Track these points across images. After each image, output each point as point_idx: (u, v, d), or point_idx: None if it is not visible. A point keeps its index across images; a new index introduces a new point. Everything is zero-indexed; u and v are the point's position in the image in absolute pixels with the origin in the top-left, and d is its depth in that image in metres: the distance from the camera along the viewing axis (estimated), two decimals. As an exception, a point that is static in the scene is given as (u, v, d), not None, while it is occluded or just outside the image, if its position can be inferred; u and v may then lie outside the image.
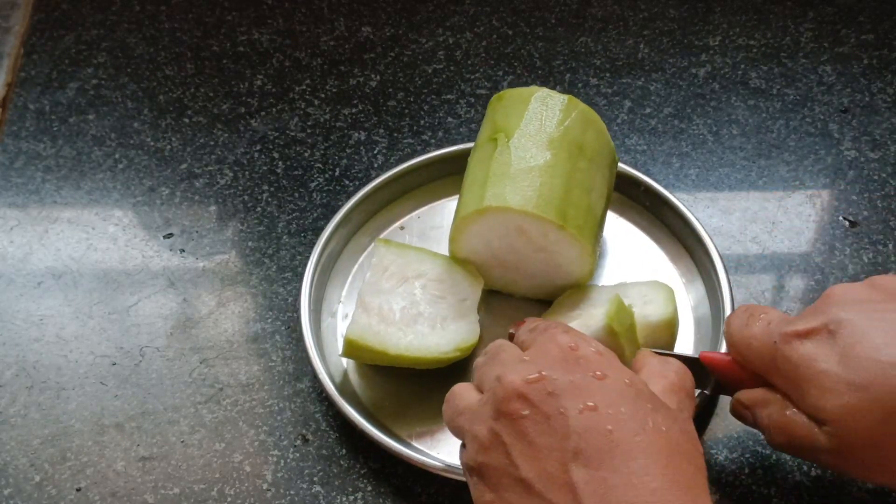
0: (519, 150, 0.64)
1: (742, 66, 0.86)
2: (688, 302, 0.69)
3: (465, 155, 0.69)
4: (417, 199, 0.76)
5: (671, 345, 0.65)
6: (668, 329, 0.64)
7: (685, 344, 0.67)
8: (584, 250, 0.63)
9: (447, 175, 0.75)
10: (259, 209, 0.77)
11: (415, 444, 0.63)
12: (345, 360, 0.67)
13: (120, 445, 0.65)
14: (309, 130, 0.82)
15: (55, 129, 0.83)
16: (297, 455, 0.64)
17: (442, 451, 0.62)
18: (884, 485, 0.55)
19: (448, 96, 0.85)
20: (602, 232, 0.68)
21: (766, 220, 0.76)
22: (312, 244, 0.74)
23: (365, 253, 0.73)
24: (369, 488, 0.62)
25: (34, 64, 0.88)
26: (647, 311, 0.63)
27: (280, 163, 0.80)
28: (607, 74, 0.86)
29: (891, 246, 0.74)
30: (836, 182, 0.78)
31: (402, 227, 0.74)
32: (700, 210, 0.75)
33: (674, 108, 0.83)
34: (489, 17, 0.91)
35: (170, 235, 0.76)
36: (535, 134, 0.64)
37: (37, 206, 0.78)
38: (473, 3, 0.92)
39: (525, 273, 0.66)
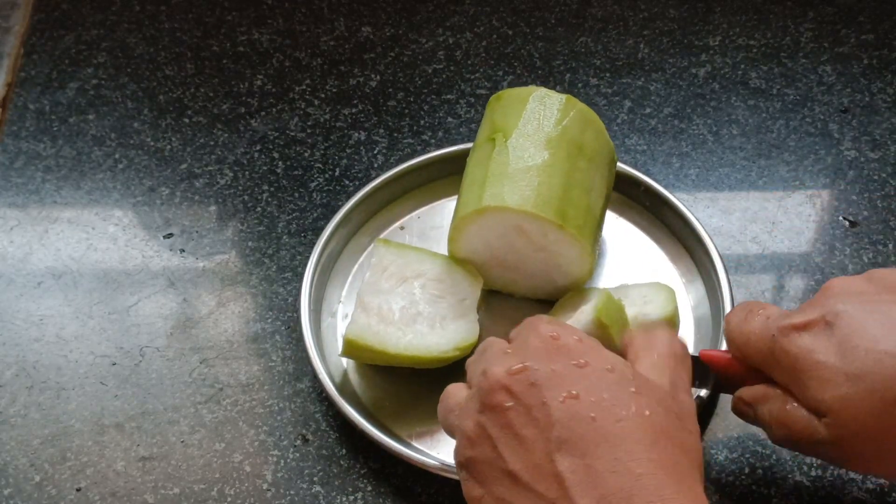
0: (517, 149, 0.64)
1: (742, 66, 0.86)
2: (688, 302, 0.69)
3: (464, 155, 0.69)
4: (417, 199, 0.76)
5: None
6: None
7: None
8: (584, 250, 0.63)
9: (447, 175, 0.75)
10: (259, 209, 0.77)
11: (415, 443, 0.63)
12: (345, 360, 0.67)
13: (120, 445, 0.65)
14: (309, 130, 0.82)
15: (55, 129, 0.83)
16: (297, 455, 0.64)
17: (442, 451, 0.62)
18: (883, 476, 0.55)
19: (448, 96, 0.85)
20: (601, 231, 0.68)
21: (766, 220, 0.76)
22: (312, 244, 0.74)
23: (365, 253, 0.73)
24: (369, 488, 0.62)
25: (34, 64, 0.88)
26: (647, 311, 0.64)
27: (280, 163, 0.80)
28: (607, 74, 0.86)
29: (891, 246, 0.74)
30: (836, 182, 0.78)
31: (402, 227, 0.74)
32: (700, 210, 0.75)
33: (674, 108, 0.83)
34: (489, 17, 0.91)
35: (170, 235, 0.76)
36: (533, 133, 0.64)
37: (37, 206, 0.78)
38: (473, 3, 0.92)
39: (525, 273, 0.66)
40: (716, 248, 0.68)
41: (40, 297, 0.73)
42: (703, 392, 0.60)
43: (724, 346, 0.61)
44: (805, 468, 0.62)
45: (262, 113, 0.84)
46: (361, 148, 0.81)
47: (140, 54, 0.89)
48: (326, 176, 0.79)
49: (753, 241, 0.75)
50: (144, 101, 0.85)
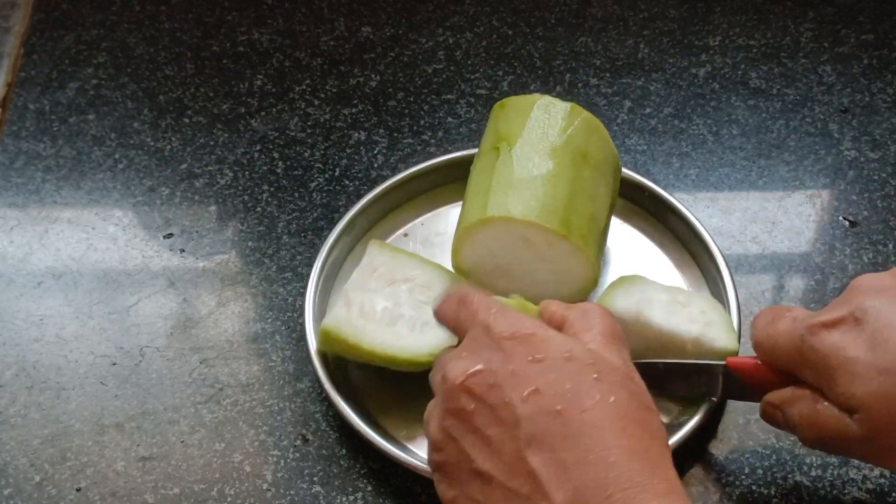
0: (521, 158, 0.63)
1: (742, 66, 0.86)
2: None
3: (468, 160, 0.69)
4: (421, 205, 0.75)
5: None
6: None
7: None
8: (589, 259, 0.63)
9: (451, 181, 0.75)
10: (259, 209, 0.77)
11: (414, 445, 0.63)
12: (346, 362, 0.66)
13: (120, 445, 0.65)
14: (309, 130, 0.82)
15: (55, 129, 0.83)
16: (297, 455, 0.64)
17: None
18: None
19: (448, 96, 0.85)
20: (606, 240, 0.67)
21: (766, 220, 0.76)
22: (312, 244, 0.74)
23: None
24: (369, 488, 0.62)
25: (34, 64, 0.88)
26: (711, 335, 0.61)
27: (280, 163, 0.80)
28: (607, 74, 0.86)
29: (891, 246, 0.74)
30: (836, 182, 0.78)
31: (405, 234, 0.74)
32: (700, 210, 0.75)
33: (674, 108, 0.83)
34: (489, 17, 0.91)
35: (170, 235, 0.76)
36: (537, 142, 0.64)
37: (37, 206, 0.78)
38: (473, 3, 0.92)
39: (529, 282, 0.66)
40: (721, 254, 0.68)
41: (40, 297, 0.73)
42: (714, 399, 0.61)
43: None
44: (805, 468, 0.62)
45: (262, 113, 0.84)
46: (361, 148, 0.81)
47: (140, 54, 0.89)
48: (326, 176, 0.79)
49: (753, 241, 0.75)
50: (144, 101, 0.85)
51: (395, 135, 0.82)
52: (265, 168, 0.80)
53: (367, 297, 0.64)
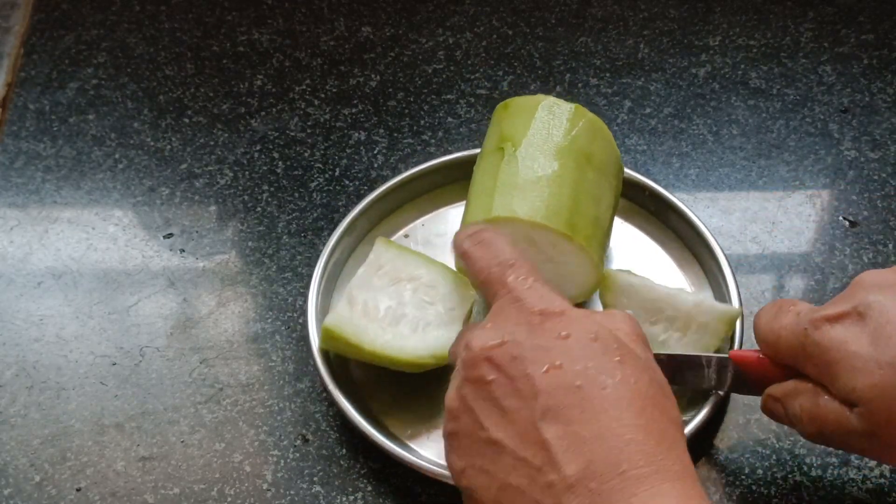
0: (526, 159, 0.63)
1: (742, 66, 0.86)
2: None
3: (470, 161, 0.69)
4: (421, 206, 0.75)
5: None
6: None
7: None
8: (592, 260, 0.63)
9: (452, 182, 0.75)
10: (259, 209, 0.77)
11: (415, 444, 0.63)
12: (346, 362, 0.66)
13: (120, 445, 0.65)
14: (309, 130, 0.82)
15: (55, 129, 0.83)
16: (297, 455, 0.64)
17: (442, 452, 0.62)
18: None
19: (448, 96, 0.85)
20: (609, 241, 0.67)
21: (766, 220, 0.76)
22: (312, 244, 0.74)
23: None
24: (369, 488, 0.62)
25: (34, 64, 0.88)
26: (711, 301, 0.64)
27: (280, 163, 0.80)
28: (607, 74, 0.86)
29: (891, 246, 0.74)
30: (836, 182, 0.78)
31: (406, 236, 0.74)
32: (700, 210, 0.75)
33: (674, 108, 0.83)
34: (489, 17, 0.91)
35: (170, 235, 0.76)
36: (542, 143, 0.64)
37: (37, 206, 0.78)
38: (473, 3, 0.92)
39: None
40: (723, 253, 0.68)
41: (40, 297, 0.73)
42: (720, 392, 0.61)
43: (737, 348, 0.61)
44: (805, 468, 0.62)
45: (262, 113, 0.84)
46: (361, 148, 0.81)
47: (140, 54, 0.89)
48: (326, 176, 0.79)
49: (753, 241, 0.75)
50: (144, 101, 0.85)
51: (395, 135, 0.82)
52: (265, 168, 0.80)
53: (370, 295, 0.63)
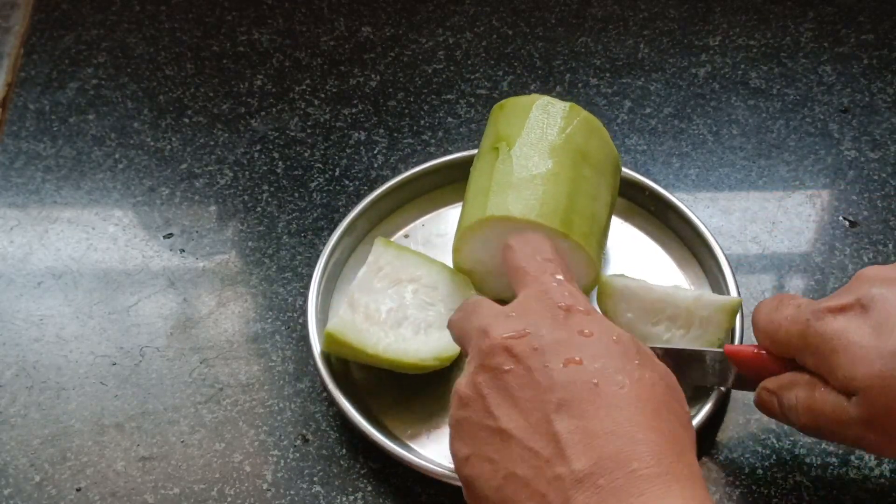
0: (521, 158, 0.63)
1: (742, 66, 0.86)
2: None
3: (469, 161, 0.69)
4: (422, 206, 0.75)
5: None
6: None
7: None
8: (590, 258, 0.63)
9: (451, 182, 0.75)
10: (259, 209, 0.77)
11: (415, 444, 0.63)
12: (347, 362, 0.67)
13: (120, 445, 0.65)
14: (309, 130, 0.82)
15: (55, 129, 0.83)
16: (297, 455, 0.64)
17: (442, 452, 0.62)
18: None
19: (448, 96, 0.85)
20: (607, 239, 0.67)
21: (766, 220, 0.76)
22: (312, 244, 0.74)
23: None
24: (369, 488, 0.62)
25: (34, 64, 0.88)
26: (710, 295, 0.65)
27: (280, 163, 0.80)
28: (607, 74, 0.86)
29: (891, 246, 0.74)
30: (836, 182, 0.78)
31: (406, 236, 0.74)
32: (700, 210, 0.75)
33: (674, 108, 0.83)
34: (489, 17, 0.91)
35: (170, 235, 0.76)
36: (536, 142, 0.64)
37: (37, 206, 0.78)
38: (473, 3, 0.92)
39: None
40: (723, 253, 0.68)
41: (40, 297, 0.73)
42: (722, 388, 0.61)
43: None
44: (805, 468, 0.62)
45: (262, 113, 0.84)
46: (361, 148, 0.81)
47: (140, 54, 0.89)
48: (326, 176, 0.79)
49: (753, 241, 0.75)
50: (144, 101, 0.85)
51: (395, 135, 0.82)
52: (265, 168, 0.80)
53: (371, 298, 0.64)
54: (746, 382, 0.59)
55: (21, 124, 0.84)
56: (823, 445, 0.63)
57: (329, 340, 0.62)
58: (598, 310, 0.65)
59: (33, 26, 0.92)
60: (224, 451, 0.64)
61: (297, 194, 0.78)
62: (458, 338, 0.53)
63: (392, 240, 0.73)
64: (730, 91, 0.84)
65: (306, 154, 0.81)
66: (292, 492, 0.62)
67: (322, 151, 0.81)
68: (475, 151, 0.70)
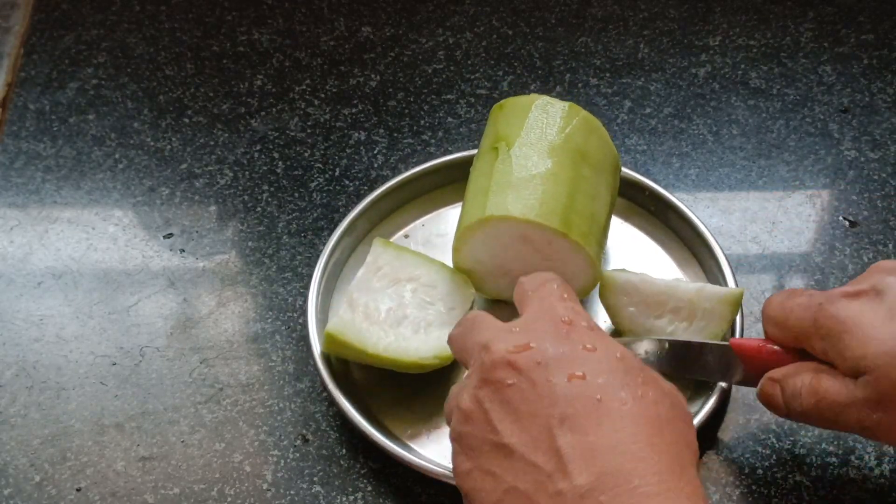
0: (520, 158, 0.63)
1: (742, 66, 0.86)
2: None
3: (469, 161, 0.69)
4: (421, 206, 0.75)
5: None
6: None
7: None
8: (589, 258, 0.63)
9: (451, 182, 0.75)
10: (259, 209, 0.77)
11: (415, 444, 0.63)
12: (347, 362, 0.67)
13: (120, 445, 0.65)
14: (309, 130, 0.82)
15: (55, 129, 0.83)
16: (297, 455, 0.64)
17: (442, 452, 0.62)
18: None
19: (448, 96, 0.85)
20: (606, 239, 0.67)
21: (766, 220, 0.76)
22: (312, 244, 0.74)
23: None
24: (369, 488, 0.62)
25: (34, 64, 0.88)
26: (712, 287, 0.64)
27: (280, 163, 0.80)
28: (607, 74, 0.86)
29: (891, 246, 0.74)
30: (836, 182, 0.78)
31: (406, 236, 0.74)
32: (700, 210, 0.75)
33: (674, 108, 0.83)
34: (489, 17, 0.91)
35: (170, 235, 0.76)
36: (536, 142, 0.64)
37: (37, 206, 0.78)
38: (473, 3, 0.92)
39: None
40: (723, 253, 0.68)
41: (40, 297, 0.73)
42: (724, 384, 0.62)
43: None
44: (805, 468, 0.62)
45: (262, 113, 0.84)
46: (361, 148, 0.81)
47: (140, 54, 0.89)
48: (326, 176, 0.79)
49: (753, 241, 0.75)
50: (144, 101, 0.85)
51: (395, 135, 0.82)
52: (265, 168, 0.80)
53: (371, 297, 0.64)
54: (749, 378, 0.59)
55: (21, 124, 0.84)
56: (823, 445, 0.63)
57: (329, 340, 0.62)
58: (601, 305, 0.66)
59: (33, 26, 0.92)
60: (224, 451, 0.64)
61: (297, 194, 0.78)
62: (459, 352, 0.53)
63: (392, 240, 0.73)
64: (730, 91, 0.84)
65: (306, 154, 0.81)
66: (292, 492, 0.62)
67: (322, 151, 0.81)
68: (475, 151, 0.70)
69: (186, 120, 0.84)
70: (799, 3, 0.91)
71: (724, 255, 0.68)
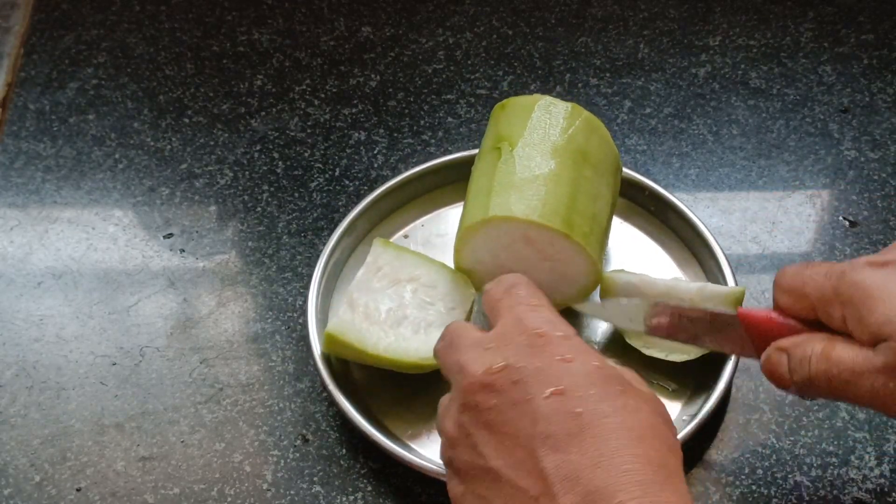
0: (523, 158, 0.63)
1: (742, 66, 0.86)
2: None
3: (469, 161, 0.69)
4: (421, 207, 0.75)
5: None
6: None
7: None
8: (591, 259, 0.63)
9: (451, 182, 0.75)
10: (259, 209, 0.77)
11: (415, 444, 0.63)
12: (347, 362, 0.67)
13: (120, 445, 0.65)
14: (309, 130, 0.82)
15: (55, 129, 0.83)
16: (297, 455, 0.64)
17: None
18: None
19: (448, 96, 0.85)
20: (608, 239, 0.67)
21: (766, 220, 0.76)
22: (312, 244, 0.74)
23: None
24: (369, 488, 0.62)
25: (34, 64, 0.88)
26: (713, 286, 0.64)
27: (280, 163, 0.80)
28: (607, 74, 0.86)
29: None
30: (836, 182, 0.78)
31: (406, 236, 0.74)
32: (700, 210, 0.75)
33: (674, 108, 0.83)
34: (489, 17, 0.91)
35: (170, 235, 0.76)
36: (539, 142, 0.64)
37: (37, 206, 0.78)
38: (473, 3, 0.92)
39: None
40: (723, 253, 0.68)
41: (40, 297, 0.73)
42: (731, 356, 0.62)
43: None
44: (805, 468, 0.62)
45: (262, 113, 0.84)
46: (361, 148, 0.81)
47: (140, 54, 0.89)
48: (326, 176, 0.79)
49: (753, 241, 0.75)
50: (144, 101, 0.85)
51: (395, 135, 0.82)
52: (265, 168, 0.80)
53: (371, 298, 0.64)
54: (754, 350, 0.57)
55: (21, 124, 0.84)
56: (823, 445, 0.63)
57: (329, 341, 0.62)
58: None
59: (33, 26, 0.92)
60: (224, 451, 0.64)
61: (297, 194, 0.78)
62: (442, 368, 0.52)
63: (392, 240, 0.73)
64: (730, 91, 0.84)
65: (306, 154, 0.81)
66: (292, 492, 0.62)
67: (322, 151, 0.81)
68: (475, 151, 0.70)
69: (186, 120, 0.84)
70: (799, 3, 0.91)
71: (724, 255, 0.68)
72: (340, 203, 0.77)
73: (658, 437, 0.45)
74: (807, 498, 0.61)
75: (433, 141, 0.81)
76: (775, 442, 0.63)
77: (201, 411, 0.66)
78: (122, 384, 0.68)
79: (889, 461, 0.62)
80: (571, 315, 0.63)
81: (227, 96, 0.85)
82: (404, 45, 0.89)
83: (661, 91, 0.84)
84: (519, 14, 0.91)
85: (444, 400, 0.51)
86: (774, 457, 0.63)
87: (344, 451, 0.64)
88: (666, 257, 0.72)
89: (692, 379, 0.64)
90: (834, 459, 0.62)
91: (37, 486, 0.63)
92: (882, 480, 0.62)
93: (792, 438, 0.63)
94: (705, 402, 0.62)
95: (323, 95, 0.85)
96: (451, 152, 0.78)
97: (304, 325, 0.66)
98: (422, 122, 0.83)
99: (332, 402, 0.63)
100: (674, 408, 0.64)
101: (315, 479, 0.63)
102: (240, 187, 0.79)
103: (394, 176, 0.75)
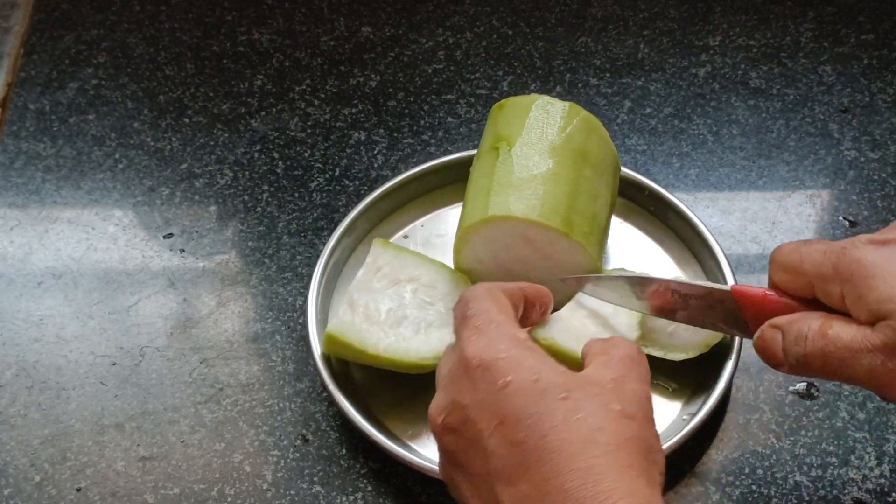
0: (521, 158, 0.63)
1: (742, 66, 0.86)
2: None
3: (468, 162, 0.69)
4: (421, 207, 0.75)
5: None
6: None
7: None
8: (591, 258, 0.63)
9: (450, 182, 0.75)
10: (259, 209, 0.77)
11: (415, 444, 0.63)
12: (347, 362, 0.67)
13: (120, 445, 0.65)
14: (309, 130, 0.82)
15: (55, 129, 0.83)
16: (297, 455, 0.64)
17: (442, 451, 0.62)
18: None
19: (448, 96, 0.85)
20: (607, 238, 0.67)
21: (766, 220, 0.76)
22: (312, 244, 0.74)
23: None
24: (369, 488, 0.62)
25: (34, 64, 0.88)
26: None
27: (280, 163, 0.80)
28: (607, 74, 0.86)
29: (891, 246, 0.74)
30: (836, 182, 0.78)
31: (405, 236, 0.74)
32: (700, 210, 0.75)
33: (674, 108, 0.83)
34: (489, 17, 0.91)
35: (170, 235, 0.76)
36: (537, 142, 0.64)
37: (37, 206, 0.78)
38: (473, 3, 0.92)
39: (531, 282, 0.66)
40: (723, 253, 0.68)
41: (40, 297, 0.73)
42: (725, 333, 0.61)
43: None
44: (805, 468, 0.62)
45: (262, 113, 0.84)
46: (361, 148, 0.81)
47: (140, 54, 0.89)
48: (326, 176, 0.79)
49: (753, 241, 0.75)
50: (144, 101, 0.85)
51: (395, 135, 0.82)
52: (265, 168, 0.80)
53: (371, 298, 0.64)
54: (748, 329, 0.56)
55: (21, 124, 0.84)
56: (823, 445, 0.63)
57: (329, 341, 0.62)
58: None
59: (33, 26, 0.92)
60: (224, 451, 0.64)
61: (297, 194, 0.78)
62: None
63: (391, 240, 0.73)
64: (730, 91, 0.84)
65: (306, 154, 0.81)
66: (292, 492, 0.62)
67: (322, 151, 0.81)
68: (475, 151, 0.70)
69: (186, 120, 0.84)
70: (799, 3, 0.91)
71: (724, 255, 0.68)
72: (340, 203, 0.77)
73: (608, 432, 0.44)
74: (807, 498, 0.61)
75: (433, 141, 0.81)
76: (775, 442, 0.63)
77: (201, 411, 0.66)
78: (122, 384, 0.68)
79: (889, 461, 0.62)
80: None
81: (227, 96, 0.85)
82: (404, 45, 0.89)
83: (661, 91, 0.85)
84: (519, 14, 0.91)
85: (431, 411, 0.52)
86: (774, 457, 0.63)
87: (344, 451, 0.64)
88: (666, 257, 0.72)
89: (692, 379, 0.64)
90: (834, 459, 0.63)
91: (37, 486, 0.63)
92: (882, 480, 0.62)
93: (792, 438, 0.63)
94: (705, 401, 0.62)
95: (323, 95, 0.85)
96: (451, 152, 0.78)
97: (304, 326, 0.66)
98: (422, 122, 0.83)
99: (332, 402, 0.63)
100: (674, 408, 0.64)
101: (315, 479, 0.63)
102: (240, 187, 0.79)
103: (394, 176, 0.75)
